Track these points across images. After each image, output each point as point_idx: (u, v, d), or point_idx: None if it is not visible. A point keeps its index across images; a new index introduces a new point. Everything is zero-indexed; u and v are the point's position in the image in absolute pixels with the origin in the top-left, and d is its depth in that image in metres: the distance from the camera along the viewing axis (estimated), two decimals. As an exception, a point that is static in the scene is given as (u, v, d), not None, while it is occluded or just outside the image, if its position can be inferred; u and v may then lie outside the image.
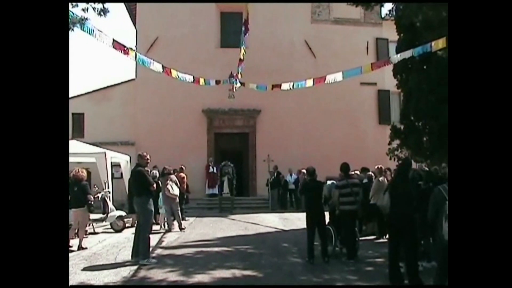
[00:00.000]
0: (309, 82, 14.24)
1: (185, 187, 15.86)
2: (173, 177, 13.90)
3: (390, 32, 18.56)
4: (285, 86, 15.11)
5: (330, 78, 13.24)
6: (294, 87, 15.12)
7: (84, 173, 11.06)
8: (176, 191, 13.44)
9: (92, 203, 11.00)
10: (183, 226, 13.63)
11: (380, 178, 11.35)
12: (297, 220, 15.35)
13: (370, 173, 12.44)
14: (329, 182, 10.68)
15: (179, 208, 13.69)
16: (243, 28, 14.24)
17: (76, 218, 10.71)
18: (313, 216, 9.10)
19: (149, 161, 9.52)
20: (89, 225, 12.25)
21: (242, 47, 13.88)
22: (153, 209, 9.40)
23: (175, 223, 13.67)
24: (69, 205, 10.01)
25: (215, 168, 21.88)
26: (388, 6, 13.36)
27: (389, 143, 15.62)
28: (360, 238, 10.24)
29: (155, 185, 9.68)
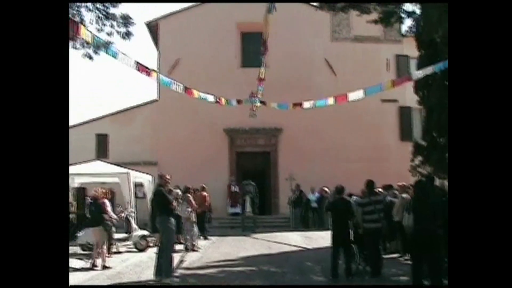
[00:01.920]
0: (331, 100, 14.13)
1: (207, 206, 15.81)
2: (188, 196, 13.89)
3: (411, 49, 18.46)
4: (306, 104, 15.05)
5: (351, 96, 13.09)
6: (316, 105, 15.02)
7: (100, 193, 11.14)
8: (187, 212, 13.42)
9: (108, 222, 11.00)
10: (196, 248, 13.54)
11: (404, 195, 11.19)
12: (320, 239, 15.27)
13: (395, 191, 12.28)
14: (351, 199, 10.58)
15: (193, 229, 13.64)
16: (262, 49, 14.27)
17: (94, 237, 10.81)
18: (339, 235, 9.00)
19: (169, 181, 9.59)
20: (112, 244, 12.24)
21: (262, 67, 13.91)
22: (174, 228, 9.39)
23: (199, 242, 13.61)
24: (88, 224, 10.25)
25: (237, 187, 21.84)
26: (408, 23, 13.31)
27: (412, 160, 15.42)
28: (384, 256, 10.07)
29: (175, 204, 9.71)
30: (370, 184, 9.51)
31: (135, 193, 15.13)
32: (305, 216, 21.02)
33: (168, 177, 9.50)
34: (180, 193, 13.85)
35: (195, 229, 13.80)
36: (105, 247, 10.74)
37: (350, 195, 11.87)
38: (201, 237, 13.76)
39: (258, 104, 15.53)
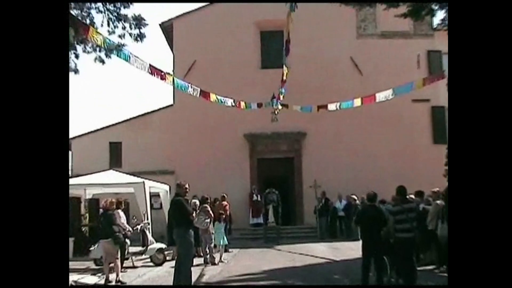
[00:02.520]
0: (357, 102, 14.15)
1: (227, 216, 15.92)
2: (206, 206, 13.94)
3: (443, 43, 17.94)
4: (331, 106, 15.25)
5: (380, 96, 13.04)
6: (342, 107, 15.17)
7: (110, 203, 11.17)
8: (204, 222, 13.46)
9: (119, 234, 10.97)
10: (216, 261, 13.57)
11: (438, 202, 11.04)
12: (349, 250, 15.19)
13: (428, 197, 12.11)
14: (383, 207, 10.47)
15: (211, 241, 13.70)
16: (284, 48, 14.29)
17: (104, 250, 10.81)
18: (370, 245, 8.93)
19: (187, 190, 9.63)
20: (127, 258, 12.25)
21: (284, 68, 13.96)
22: (193, 240, 9.43)
23: (217, 255, 13.69)
24: (98, 237, 10.22)
25: (259, 196, 21.85)
26: (440, 15, 13.14)
27: (446, 164, 15.17)
28: (418, 268, 9.83)
29: (194, 215, 9.76)
30: (401, 191, 9.29)
31: (151, 204, 15.16)
32: (331, 226, 20.98)
33: (186, 186, 9.55)
34: (197, 203, 13.95)
35: (222, 239, 13.93)
36: (118, 261, 10.73)
37: (383, 202, 11.76)
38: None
39: (280, 107, 15.85)
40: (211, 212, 13.87)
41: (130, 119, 24.78)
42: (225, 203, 16.40)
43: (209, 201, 14.77)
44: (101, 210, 13.00)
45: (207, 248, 13.56)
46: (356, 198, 19.37)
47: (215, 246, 13.90)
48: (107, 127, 24.72)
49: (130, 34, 11.91)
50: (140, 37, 11.96)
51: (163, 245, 13.89)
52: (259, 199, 21.78)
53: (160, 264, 13.42)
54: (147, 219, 13.98)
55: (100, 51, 11.72)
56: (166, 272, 11.93)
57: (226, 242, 14.55)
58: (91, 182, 14.01)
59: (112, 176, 14.85)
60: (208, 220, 13.57)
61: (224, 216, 14.73)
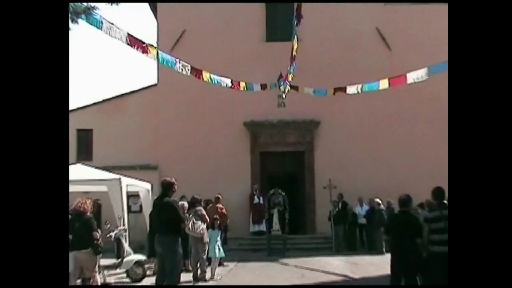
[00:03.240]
0: (383, 83, 13.95)
1: (222, 222, 15.82)
2: (200, 209, 13.87)
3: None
4: (351, 89, 15.04)
5: (411, 76, 12.78)
6: (364, 90, 14.93)
7: (88, 205, 10.89)
8: (199, 229, 13.35)
9: (100, 242, 10.62)
10: (208, 277, 13.51)
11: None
12: (370, 265, 15.18)
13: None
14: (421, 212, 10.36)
15: (205, 252, 13.60)
16: (295, 16, 14.12)
17: (78, 264, 10.44)
18: (401, 261, 8.92)
19: (176, 189, 9.65)
20: (99, 273, 12.14)
21: (294, 41, 13.86)
22: (182, 251, 9.53)
23: (209, 269, 13.65)
24: (70, 247, 9.57)
25: (261, 198, 21.77)
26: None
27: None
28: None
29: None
30: (439, 193, 9.01)
31: (129, 206, 15.15)
32: (350, 236, 20.83)
33: (175, 183, 9.63)
34: (186, 205, 13.87)
35: (217, 251, 13.96)
36: (97, 275, 10.62)
37: (421, 206, 11.59)
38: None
39: (288, 89, 15.53)
40: (206, 216, 13.83)
41: (103, 101, 24.60)
42: (220, 206, 16.29)
43: (201, 203, 14.67)
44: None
45: (198, 261, 13.46)
46: (380, 202, 19.36)
47: (208, 258, 13.86)
48: (73, 110, 23.80)
49: (103, -5, 11.73)
50: (115, -1, 11.77)
51: (142, 257, 13.68)
52: (261, 201, 21.71)
53: (138, 280, 13.28)
54: (123, 224, 13.80)
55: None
56: (146, 290, 11.70)
57: (223, 255, 14.50)
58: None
59: (80, 171, 14.49)
60: (204, 226, 13.53)
61: (219, 222, 14.64)
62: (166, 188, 9.45)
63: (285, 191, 20.86)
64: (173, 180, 9.54)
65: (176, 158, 22.38)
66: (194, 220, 13.25)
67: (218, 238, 14.27)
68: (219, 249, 14.13)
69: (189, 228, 12.88)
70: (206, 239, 13.58)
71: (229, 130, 22.98)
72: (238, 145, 23.06)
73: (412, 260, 8.89)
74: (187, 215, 13.12)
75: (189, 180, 19.15)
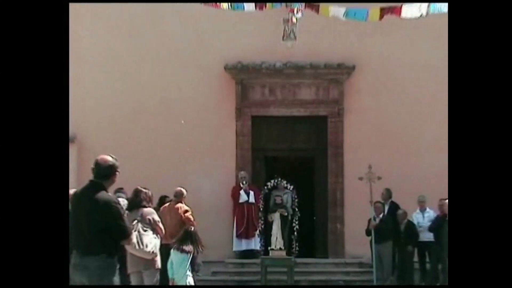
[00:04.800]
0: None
1: (197, 239, 12.30)
2: (149, 211, 10.61)
3: None
4: (409, 10, 12.92)
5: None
6: (430, 11, 12.67)
7: None
8: (152, 244, 10.23)
9: None
10: None
11: None
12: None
13: None
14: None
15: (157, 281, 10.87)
16: None
17: None
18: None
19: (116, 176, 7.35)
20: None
21: None
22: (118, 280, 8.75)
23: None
24: None
25: (252, 195, 16.80)
26: None
27: None
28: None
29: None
30: None
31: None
32: (403, 260, 15.98)
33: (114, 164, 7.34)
34: (125, 204, 11.00)
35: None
36: None
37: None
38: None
39: (302, 9, 13.31)
40: (161, 226, 10.71)
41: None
42: (182, 206, 12.71)
43: (151, 201, 11.13)
44: None
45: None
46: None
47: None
48: None
49: None
50: None
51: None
52: (252, 200, 16.78)
53: None
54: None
55: None
56: None
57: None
58: None
59: None
60: (158, 241, 10.47)
61: (192, 235, 11.48)
62: (103, 174, 6.98)
63: (294, 183, 15.84)
64: (114, 160, 7.11)
65: (107, 125, 17.04)
66: (141, 230, 10.04)
67: (187, 263, 10.94)
68: (186, 278, 11.15)
69: (135, 244, 9.63)
70: (159, 263, 10.39)
71: (200, 79, 17.47)
72: (214, 104, 17.61)
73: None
74: (136, 220, 10.12)
75: (130, 162, 14.52)
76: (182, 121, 16.67)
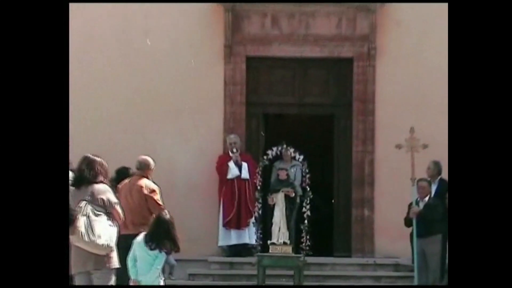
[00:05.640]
0: None
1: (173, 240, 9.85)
2: (103, 189, 8.25)
3: None
4: None
5: None
6: None
7: None
8: (106, 235, 8.05)
9: None
10: None
11: None
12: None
13: None
14: None
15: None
16: None
17: None
18: None
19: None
20: None
21: None
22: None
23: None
24: None
25: (246, 167, 13.96)
26: None
27: None
28: None
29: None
30: None
31: None
32: None
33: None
34: (71, 175, 8.61)
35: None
36: None
37: None
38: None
39: None
40: (119, 209, 8.33)
41: None
42: (148, 184, 10.58)
43: (106, 175, 8.79)
44: None
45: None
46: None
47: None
48: None
49: None
50: None
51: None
52: (245, 175, 14.02)
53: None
54: None
55: None
56: None
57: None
58: None
59: None
60: (115, 229, 8.27)
61: (167, 226, 8.76)
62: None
63: (305, 152, 12.63)
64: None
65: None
66: (91, 214, 8.01)
67: (159, 267, 8.41)
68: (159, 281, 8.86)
69: (82, 234, 7.85)
70: (115, 261, 8.23)
71: (176, 6, 14.07)
72: (195, 40, 14.17)
73: None
74: (85, 201, 8.01)
75: (77, 120, 12.31)
76: (148, 41, 13.62)
